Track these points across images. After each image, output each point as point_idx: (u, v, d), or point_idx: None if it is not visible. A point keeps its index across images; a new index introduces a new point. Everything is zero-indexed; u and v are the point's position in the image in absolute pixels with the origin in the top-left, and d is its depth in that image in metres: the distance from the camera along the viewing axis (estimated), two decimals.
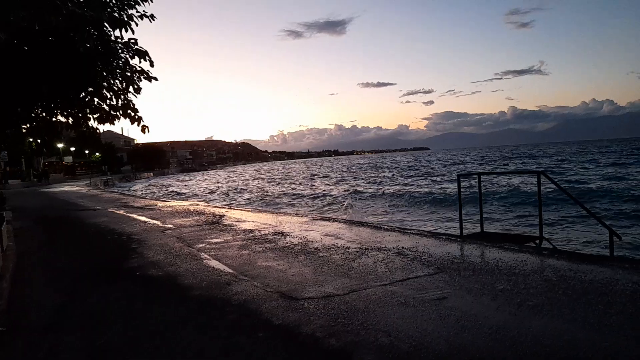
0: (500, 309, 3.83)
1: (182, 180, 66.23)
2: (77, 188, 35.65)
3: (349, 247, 6.74)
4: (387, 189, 31.19)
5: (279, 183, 47.04)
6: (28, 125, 12.87)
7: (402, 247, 6.51)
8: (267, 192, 35.70)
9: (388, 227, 8.85)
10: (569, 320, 3.52)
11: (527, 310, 3.77)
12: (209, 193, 39.09)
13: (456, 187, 8.47)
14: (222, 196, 35.57)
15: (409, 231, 8.29)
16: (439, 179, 37.94)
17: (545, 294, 4.16)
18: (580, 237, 13.27)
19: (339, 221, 10.08)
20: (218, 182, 56.28)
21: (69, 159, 72.58)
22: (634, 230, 13.96)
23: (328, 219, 10.58)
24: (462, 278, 4.83)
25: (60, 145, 60.23)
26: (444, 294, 4.33)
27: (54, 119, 12.19)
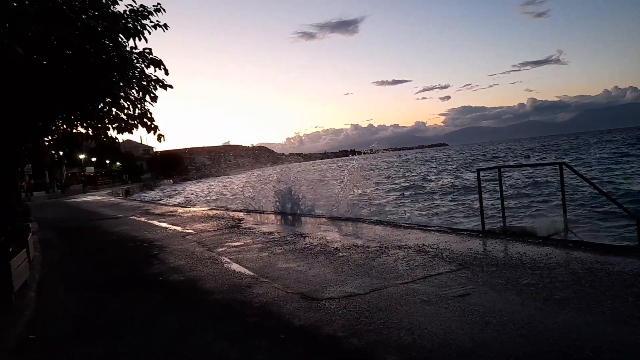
0: (525, 304, 3.75)
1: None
2: (99, 197, 36.34)
3: (368, 246, 6.69)
4: None
5: None
6: (49, 138, 13.16)
7: (423, 245, 6.44)
8: None
9: (408, 225, 8.76)
10: (596, 313, 3.42)
11: (553, 305, 3.68)
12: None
13: None
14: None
15: (429, 228, 8.19)
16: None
17: (572, 287, 4.06)
18: (607, 227, 12.95)
19: (358, 221, 10.03)
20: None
21: (90, 169, 73.97)
22: None
23: (346, 219, 10.55)
24: (485, 274, 4.75)
25: (82, 156, 61.45)
26: (467, 290, 4.26)
27: (74, 131, 12.47)
